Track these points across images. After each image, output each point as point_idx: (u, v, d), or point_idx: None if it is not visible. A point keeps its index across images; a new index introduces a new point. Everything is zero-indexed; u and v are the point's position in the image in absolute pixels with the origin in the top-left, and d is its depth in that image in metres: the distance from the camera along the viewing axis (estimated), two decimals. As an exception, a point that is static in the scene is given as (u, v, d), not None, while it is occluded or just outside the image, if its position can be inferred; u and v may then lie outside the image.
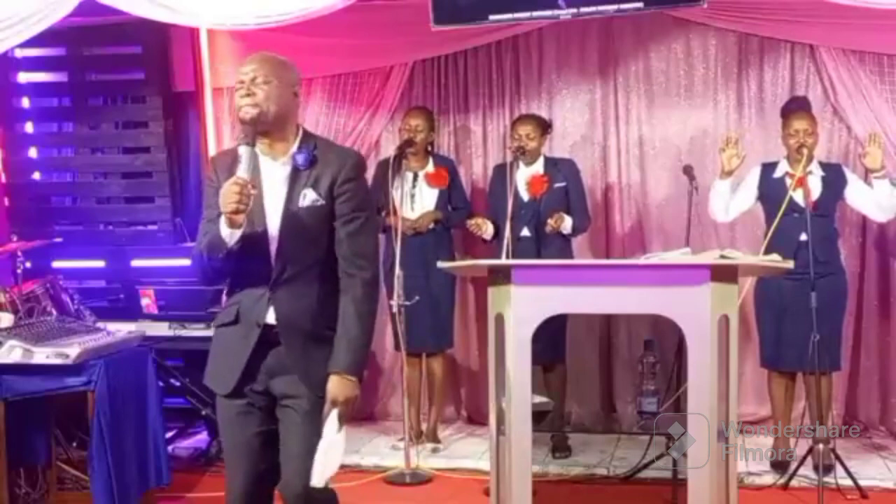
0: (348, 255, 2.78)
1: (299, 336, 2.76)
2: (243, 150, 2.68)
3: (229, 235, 2.68)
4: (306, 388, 2.74)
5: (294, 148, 2.81)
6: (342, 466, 2.75)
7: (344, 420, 2.68)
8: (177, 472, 4.53)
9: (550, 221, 4.91)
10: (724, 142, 4.76)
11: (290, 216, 2.76)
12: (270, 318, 2.77)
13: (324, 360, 2.73)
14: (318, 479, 2.63)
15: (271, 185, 2.79)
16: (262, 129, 2.76)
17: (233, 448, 2.85)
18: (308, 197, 2.77)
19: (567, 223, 4.98)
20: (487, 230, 5.10)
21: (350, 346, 2.73)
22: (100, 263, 6.11)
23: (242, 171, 2.65)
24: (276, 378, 2.78)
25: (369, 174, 4.90)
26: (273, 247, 2.77)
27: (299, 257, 2.78)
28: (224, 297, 4.97)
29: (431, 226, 5.22)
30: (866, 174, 4.90)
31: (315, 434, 2.69)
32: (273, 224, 2.77)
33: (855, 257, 5.30)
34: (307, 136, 2.86)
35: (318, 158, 2.80)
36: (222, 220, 2.67)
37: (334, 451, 2.66)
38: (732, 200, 4.78)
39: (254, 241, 2.74)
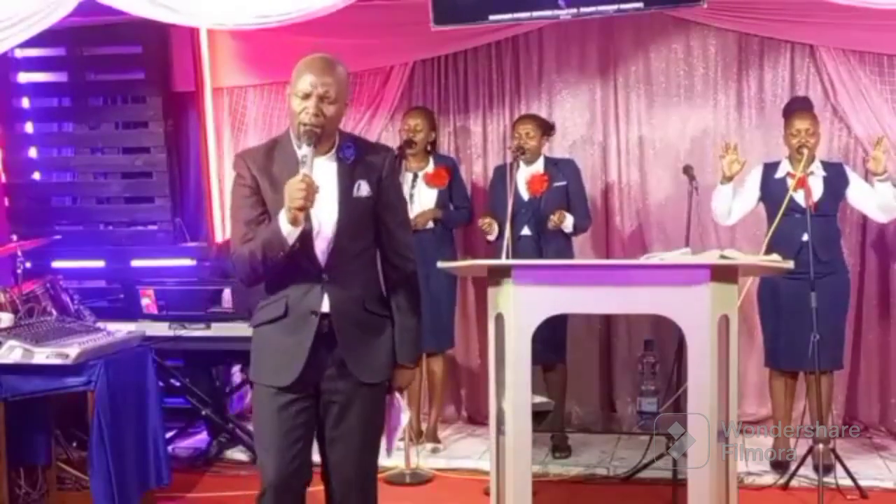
0: (398, 248, 2.95)
1: (350, 322, 2.85)
2: (307, 151, 2.74)
3: (290, 233, 2.73)
4: (355, 378, 2.85)
5: (336, 143, 2.89)
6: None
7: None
8: (177, 472, 4.53)
9: (553, 218, 4.91)
10: (723, 148, 4.76)
11: (348, 206, 2.84)
12: (325, 306, 2.83)
13: (369, 346, 2.88)
14: (394, 447, 3.14)
15: (319, 180, 2.81)
16: (320, 139, 2.82)
17: (274, 444, 2.86)
18: (362, 188, 2.87)
19: (568, 221, 4.98)
20: (494, 231, 5.10)
21: (410, 338, 2.97)
22: (100, 263, 6.11)
23: (307, 170, 2.72)
24: (328, 369, 2.85)
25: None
26: (323, 238, 2.83)
27: (350, 247, 2.86)
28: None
29: (431, 225, 5.22)
30: (866, 174, 4.91)
31: (365, 421, 2.88)
32: (325, 216, 2.83)
33: (855, 257, 5.30)
34: (342, 132, 2.95)
35: (360, 154, 2.91)
36: (282, 217, 2.72)
37: (405, 419, 3.12)
38: (735, 203, 4.78)
39: (303, 235, 2.79)
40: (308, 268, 2.83)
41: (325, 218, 2.82)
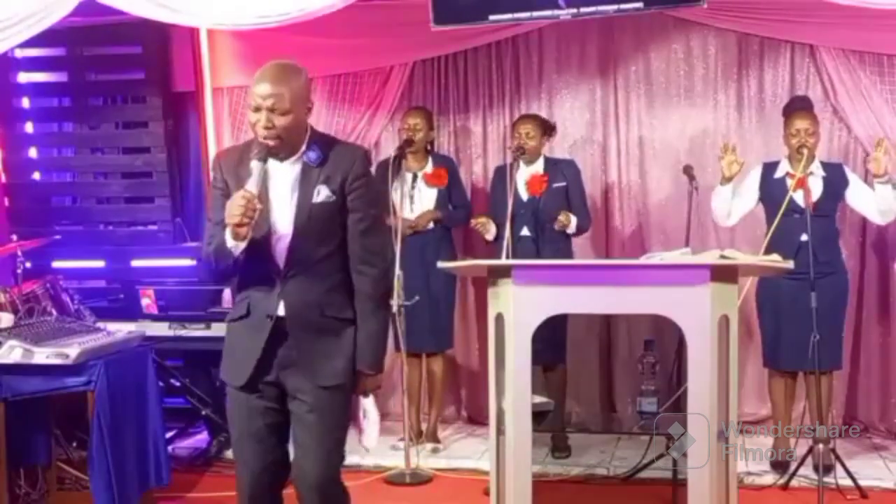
0: (360, 253, 2.88)
1: (306, 327, 2.84)
2: (255, 166, 2.73)
3: (234, 247, 2.75)
4: (311, 382, 2.83)
5: (303, 148, 2.85)
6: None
7: (371, 396, 3.02)
8: (177, 472, 4.54)
9: (561, 218, 4.91)
10: (722, 149, 4.75)
11: (305, 212, 2.82)
12: (281, 310, 2.83)
13: (326, 351, 2.85)
14: (371, 443, 3.07)
15: (280, 185, 2.83)
16: (279, 150, 2.80)
17: (242, 440, 2.92)
18: (322, 193, 2.83)
19: (573, 223, 4.98)
20: (491, 230, 5.10)
21: (371, 343, 2.89)
22: (100, 263, 6.10)
23: (251, 185, 2.71)
24: (286, 370, 2.86)
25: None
26: (283, 243, 2.83)
27: (310, 252, 2.84)
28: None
29: (431, 225, 5.22)
30: (866, 175, 4.90)
31: (324, 424, 2.84)
32: (284, 221, 2.82)
33: (855, 257, 5.29)
34: (314, 134, 2.90)
35: (327, 156, 2.85)
36: (227, 230, 2.73)
37: (373, 420, 3.04)
38: (734, 203, 4.77)
39: (262, 239, 2.80)
40: (268, 271, 2.85)
41: (284, 223, 2.82)
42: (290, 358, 2.85)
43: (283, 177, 2.84)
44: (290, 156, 2.84)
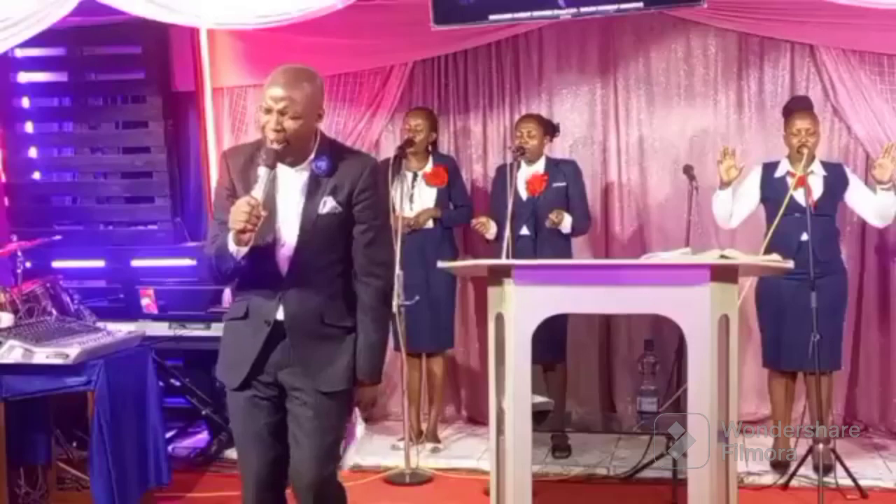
0: (365, 263, 2.87)
1: (305, 334, 2.84)
2: (262, 172, 2.71)
3: (236, 252, 2.73)
4: (311, 386, 2.84)
5: (312, 155, 2.83)
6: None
7: (366, 413, 3.00)
8: (177, 472, 4.53)
9: (552, 216, 4.91)
10: (720, 154, 4.74)
11: (310, 222, 2.81)
12: (280, 315, 2.83)
13: (326, 357, 2.85)
14: (351, 460, 3.06)
15: (287, 192, 2.82)
16: (286, 155, 2.78)
17: (244, 438, 2.92)
18: (328, 204, 2.82)
19: (566, 221, 4.98)
20: (491, 230, 5.11)
21: (370, 353, 2.88)
22: (100, 263, 6.10)
23: (257, 192, 2.68)
24: (283, 370, 2.86)
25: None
26: (286, 251, 2.82)
27: (313, 261, 2.83)
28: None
29: (430, 224, 5.22)
30: (866, 176, 4.90)
31: (321, 426, 2.84)
32: (288, 229, 2.82)
33: (855, 257, 5.29)
34: (324, 140, 2.87)
35: (336, 165, 2.83)
36: (230, 235, 2.71)
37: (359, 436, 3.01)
38: (735, 206, 4.76)
39: (265, 245, 2.79)
40: (270, 277, 2.83)
41: (288, 231, 2.82)
42: (288, 360, 2.85)
43: (292, 184, 2.83)
44: (298, 162, 2.82)
